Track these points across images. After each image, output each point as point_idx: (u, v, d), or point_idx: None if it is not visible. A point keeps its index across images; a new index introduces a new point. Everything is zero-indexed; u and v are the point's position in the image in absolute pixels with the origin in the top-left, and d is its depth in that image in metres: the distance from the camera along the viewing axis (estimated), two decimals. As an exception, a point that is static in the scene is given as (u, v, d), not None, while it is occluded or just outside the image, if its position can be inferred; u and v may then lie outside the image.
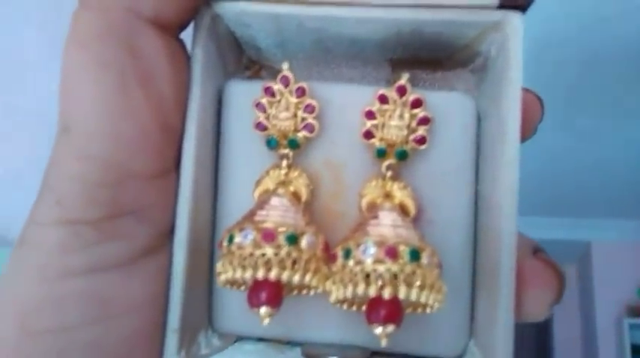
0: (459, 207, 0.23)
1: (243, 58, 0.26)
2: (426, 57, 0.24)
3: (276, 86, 0.22)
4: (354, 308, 0.22)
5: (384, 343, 0.19)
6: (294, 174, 0.22)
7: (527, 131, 0.24)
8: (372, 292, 0.19)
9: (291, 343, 0.24)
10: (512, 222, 0.21)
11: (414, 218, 0.22)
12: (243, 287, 0.22)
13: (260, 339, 0.24)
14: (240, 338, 0.24)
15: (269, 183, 0.22)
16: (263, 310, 0.20)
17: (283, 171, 0.22)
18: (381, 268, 0.19)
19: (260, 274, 0.19)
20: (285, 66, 0.22)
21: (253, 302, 0.20)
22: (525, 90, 0.24)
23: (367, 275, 0.19)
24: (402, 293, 0.19)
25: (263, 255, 0.19)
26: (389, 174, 0.22)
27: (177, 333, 0.21)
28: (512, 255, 0.21)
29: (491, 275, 0.22)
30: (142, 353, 0.20)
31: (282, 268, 0.19)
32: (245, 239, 0.20)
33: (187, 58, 0.22)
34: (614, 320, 1.96)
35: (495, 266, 0.21)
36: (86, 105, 0.19)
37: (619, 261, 1.96)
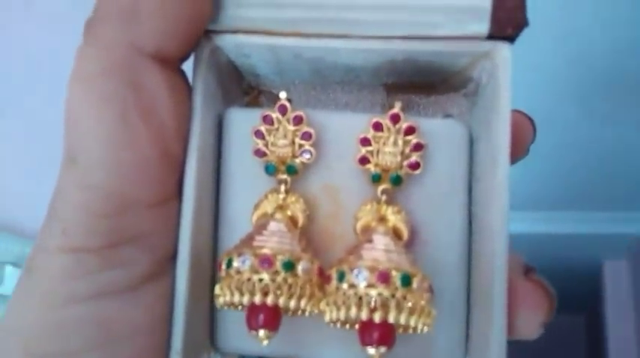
0: (453, 229, 0.24)
1: (243, 84, 0.27)
2: (419, 82, 0.25)
3: (274, 114, 0.23)
4: (348, 326, 0.23)
5: None
6: (292, 199, 0.23)
7: (519, 152, 0.25)
8: (364, 316, 0.20)
9: None
10: (504, 243, 0.22)
11: (407, 241, 0.23)
12: (240, 307, 0.23)
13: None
14: (242, 357, 0.25)
15: (267, 207, 0.23)
16: (262, 333, 0.20)
17: (281, 196, 0.23)
18: (373, 292, 0.20)
19: (257, 299, 0.20)
20: (282, 95, 0.23)
21: (252, 325, 0.21)
22: (517, 112, 0.25)
23: (360, 299, 0.20)
24: (391, 318, 0.19)
25: (260, 280, 0.20)
26: (384, 198, 0.23)
27: (181, 355, 0.22)
28: (504, 276, 0.21)
29: (484, 296, 0.22)
30: None
31: (279, 293, 0.20)
32: (243, 264, 0.21)
33: (188, 88, 0.23)
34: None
35: (488, 286, 0.22)
36: (89, 138, 0.20)
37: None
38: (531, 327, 0.22)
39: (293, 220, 0.23)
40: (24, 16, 0.74)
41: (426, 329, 0.20)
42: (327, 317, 0.21)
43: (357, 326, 0.22)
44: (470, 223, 0.24)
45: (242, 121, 0.24)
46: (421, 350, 0.24)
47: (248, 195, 0.24)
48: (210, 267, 0.24)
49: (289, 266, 0.21)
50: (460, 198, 0.24)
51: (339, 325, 0.22)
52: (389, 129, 0.23)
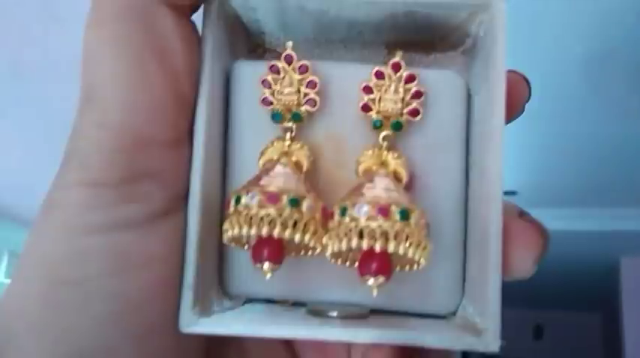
0: (451, 175, 0.25)
1: (249, 43, 0.28)
2: (419, 40, 0.26)
3: (281, 64, 0.24)
4: (348, 264, 0.24)
5: (374, 293, 0.21)
6: (297, 146, 0.24)
7: (515, 109, 0.26)
8: (365, 245, 0.21)
9: (296, 304, 0.26)
10: (499, 185, 0.22)
11: (407, 185, 0.24)
12: (246, 247, 0.24)
13: (267, 301, 0.26)
14: (249, 300, 0.26)
15: (273, 154, 0.24)
16: (266, 265, 0.22)
17: (286, 143, 0.24)
18: (373, 224, 0.21)
19: (264, 231, 0.21)
20: (289, 44, 0.24)
21: (256, 258, 0.22)
22: (513, 72, 0.26)
23: (361, 231, 0.21)
24: (391, 247, 0.21)
25: (267, 215, 0.21)
26: (385, 144, 0.24)
27: (192, 289, 0.23)
28: (499, 215, 0.22)
29: (481, 237, 0.23)
30: (160, 306, 0.22)
31: (284, 227, 0.21)
32: (251, 200, 0.22)
33: (198, 38, 0.24)
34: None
35: (484, 226, 0.23)
36: (106, 77, 0.21)
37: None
38: (526, 264, 0.23)
39: (298, 165, 0.24)
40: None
41: (422, 261, 0.21)
42: (329, 250, 0.22)
43: (355, 264, 0.23)
44: (467, 172, 0.25)
45: (249, 73, 0.25)
46: (419, 292, 0.25)
47: (255, 143, 0.25)
48: (219, 214, 0.25)
49: (295, 202, 0.22)
50: (458, 147, 0.25)
51: (339, 262, 0.24)
52: (390, 77, 0.24)
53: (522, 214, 0.24)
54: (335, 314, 0.24)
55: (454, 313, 0.26)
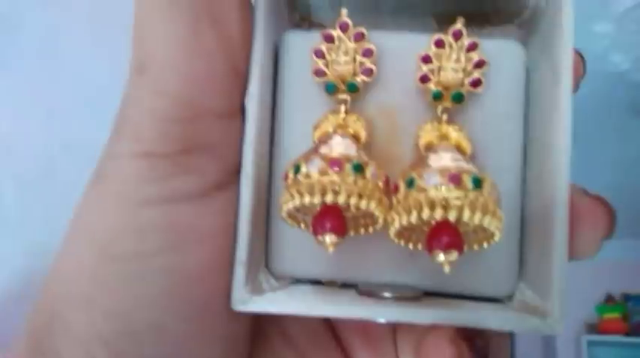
0: (510, 153, 0.24)
1: (295, 16, 0.27)
2: (472, 12, 0.25)
3: (336, 32, 0.23)
4: (411, 245, 0.22)
5: (447, 270, 0.20)
6: (352, 117, 0.23)
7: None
8: (438, 216, 0.19)
9: (344, 286, 0.25)
10: (566, 160, 0.21)
11: (470, 158, 0.23)
12: (302, 225, 0.22)
13: (314, 282, 0.25)
14: (295, 281, 0.25)
15: (328, 127, 0.23)
16: (328, 238, 0.20)
17: (341, 116, 0.23)
18: (445, 193, 0.20)
19: (328, 199, 0.20)
20: (344, 12, 0.23)
21: (318, 230, 0.20)
22: None
23: (432, 201, 0.20)
24: (466, 216, 0.19)
25: (331, 181, 0.20)
26: (444, 117, 0.23)
27: (245, 266, 0.22)
28: (566, 192, 0.21)
29: (544, 214, 0.22)
30: (212, 282, 0.21)
31: (349, 194, 0.20)
32: (312, 168, 0.20)
33: (251, 8, 0.23)
34: (574, 337, 1.97)
35: (547, 204, 0.22)
36: (162, 44, 0.20)
37: (578, 279, 1.96)
38: (592, 246, 0.22)
39: (356, 137, 0.23)
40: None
41: (497, 233, 0.20)
42: (396, 226, 0.20)
43: (420, 246, 0.22)
44: (524, 148, 0.24)
45: (300, 44, 0.24)
46: (476, 274, 0.24)
47: (304, 117, 0.24)
48: (266, 191, 0.24)
49: (359, 168, 0.20)
50: (518, 122, 0.24)
51: (403, 242, 0.22)
52: (451, 45, 0.23)
53: (585, 192, 0.23)
54: (388, 295, 0.23)
55: (510, 297, 0.24)
